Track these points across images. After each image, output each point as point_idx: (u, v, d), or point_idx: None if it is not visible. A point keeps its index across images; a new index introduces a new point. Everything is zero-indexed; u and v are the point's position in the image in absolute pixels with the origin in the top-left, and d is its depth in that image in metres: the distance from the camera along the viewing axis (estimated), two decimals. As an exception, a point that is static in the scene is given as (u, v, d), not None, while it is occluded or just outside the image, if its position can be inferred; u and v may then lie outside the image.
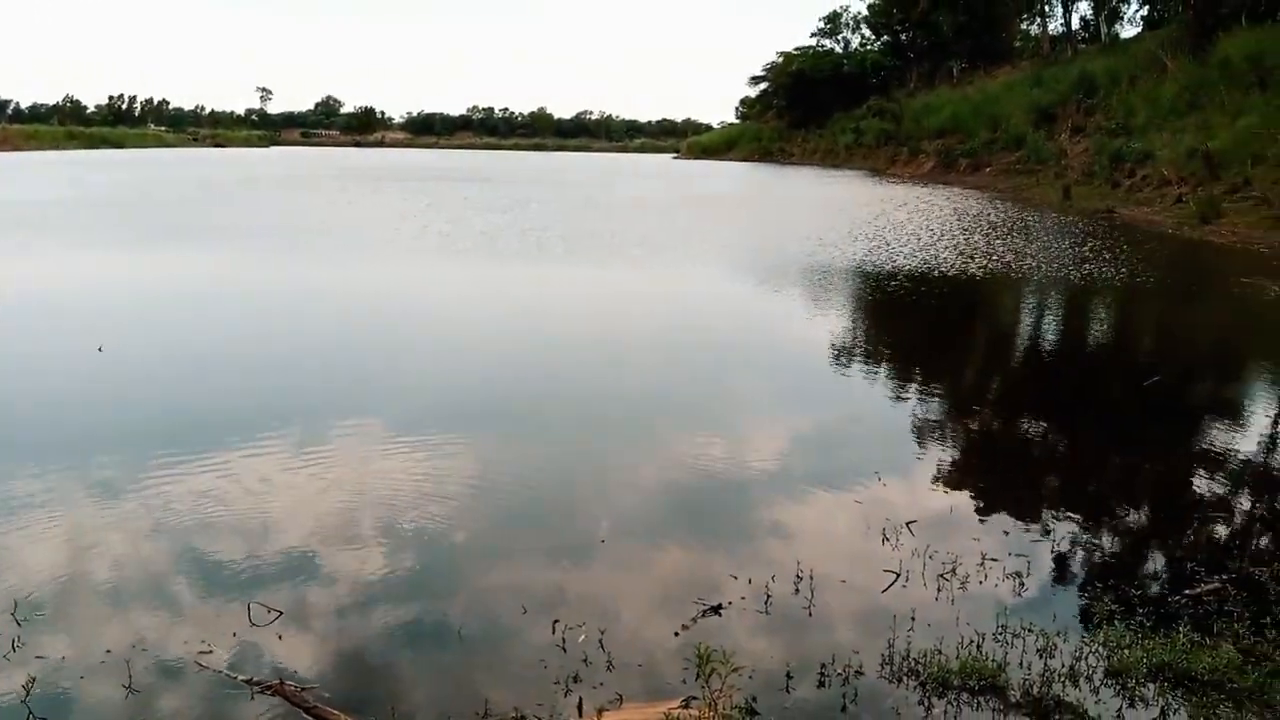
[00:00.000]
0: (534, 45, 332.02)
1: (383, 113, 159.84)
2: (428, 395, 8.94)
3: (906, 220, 25.30)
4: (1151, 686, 4.16)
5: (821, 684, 4.25)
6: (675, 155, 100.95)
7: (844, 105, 76.18)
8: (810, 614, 4.86)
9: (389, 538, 5.71)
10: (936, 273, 16.46)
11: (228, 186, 39.00)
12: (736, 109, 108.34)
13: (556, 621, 4.72)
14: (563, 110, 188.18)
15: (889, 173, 53.43)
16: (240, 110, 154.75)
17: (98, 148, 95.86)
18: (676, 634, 4.65)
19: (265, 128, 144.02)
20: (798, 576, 5.16)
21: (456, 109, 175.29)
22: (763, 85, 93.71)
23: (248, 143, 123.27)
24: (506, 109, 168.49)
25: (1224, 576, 5.12)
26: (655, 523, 6.02)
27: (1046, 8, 57.23)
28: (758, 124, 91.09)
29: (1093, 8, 52.91)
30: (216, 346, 10.75)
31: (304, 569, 5.26)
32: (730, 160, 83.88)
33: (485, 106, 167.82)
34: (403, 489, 6.43)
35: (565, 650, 4.50)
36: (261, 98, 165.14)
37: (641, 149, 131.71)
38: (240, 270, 16.22)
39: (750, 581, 5.14)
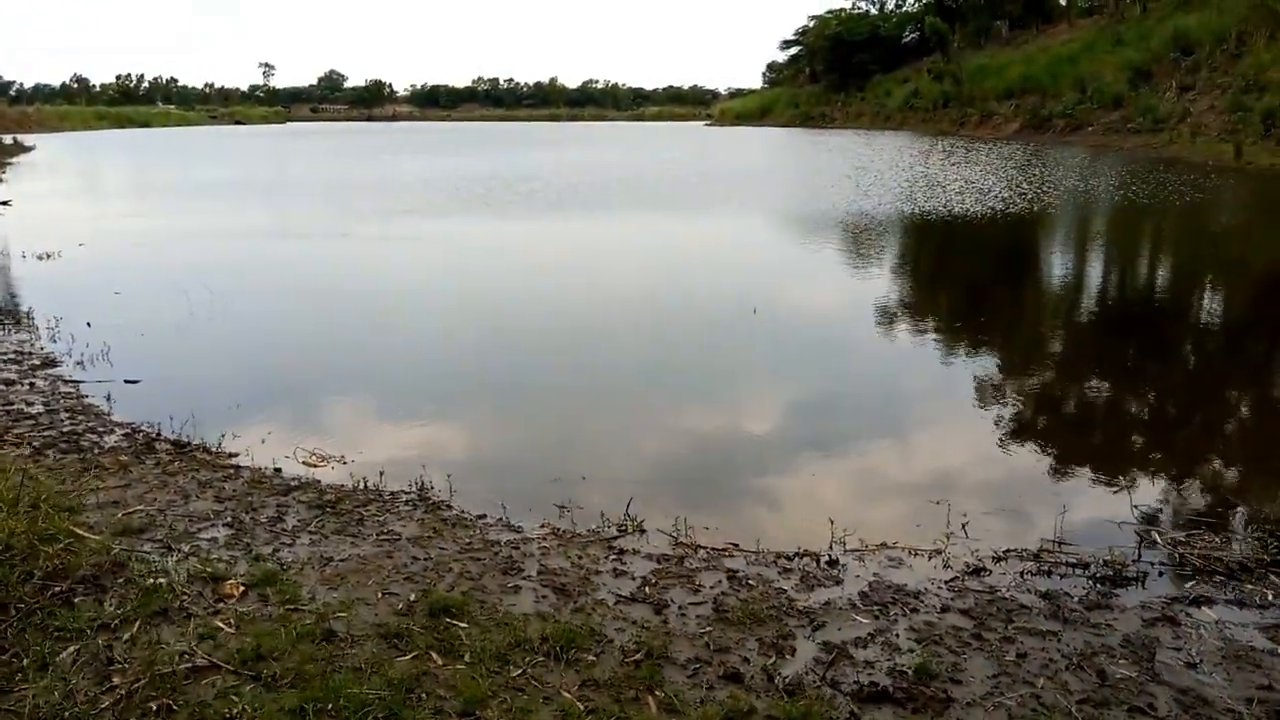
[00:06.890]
0: (536, 14, 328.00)
1: (389, 86, 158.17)
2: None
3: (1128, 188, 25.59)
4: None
5: None
6: (708, 122, 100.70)
7: (883, 68, 76.54)
8: None
9: None
10: None
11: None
12: (764, 75, 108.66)
13: None
14: (568, 80, 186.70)
15: (961, 134, 53.63)
16: (244, 86, 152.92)
17: (124, 127, 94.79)
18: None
19: (271, 103, 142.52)
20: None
21: (461, 81, 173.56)
22: (793, 50, 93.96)
23: (265, 120, 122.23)
24: (512, 79, 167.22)
25: None
26: None
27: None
28: (791, 89, 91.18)
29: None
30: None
31: None
32: (768, 126, 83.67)
33: (490, 77, 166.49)
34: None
35: None
36: (264, 73, 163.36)
37: (658, 117, 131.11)
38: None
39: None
